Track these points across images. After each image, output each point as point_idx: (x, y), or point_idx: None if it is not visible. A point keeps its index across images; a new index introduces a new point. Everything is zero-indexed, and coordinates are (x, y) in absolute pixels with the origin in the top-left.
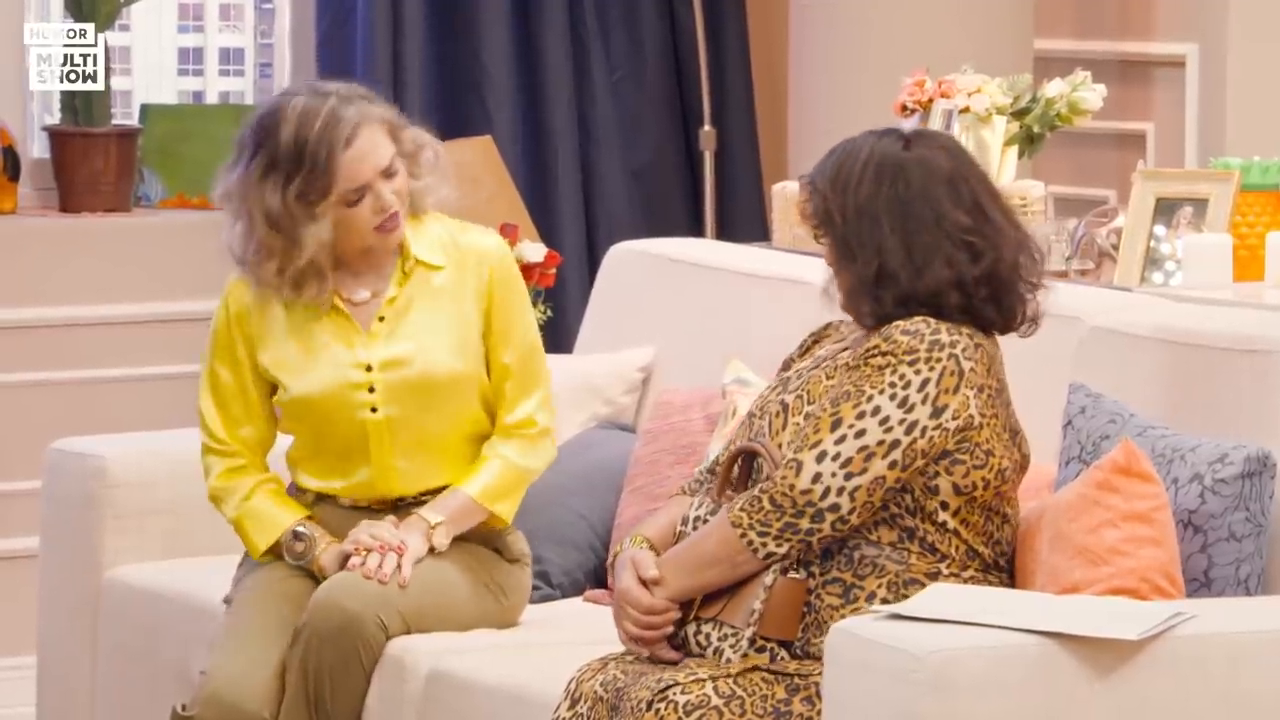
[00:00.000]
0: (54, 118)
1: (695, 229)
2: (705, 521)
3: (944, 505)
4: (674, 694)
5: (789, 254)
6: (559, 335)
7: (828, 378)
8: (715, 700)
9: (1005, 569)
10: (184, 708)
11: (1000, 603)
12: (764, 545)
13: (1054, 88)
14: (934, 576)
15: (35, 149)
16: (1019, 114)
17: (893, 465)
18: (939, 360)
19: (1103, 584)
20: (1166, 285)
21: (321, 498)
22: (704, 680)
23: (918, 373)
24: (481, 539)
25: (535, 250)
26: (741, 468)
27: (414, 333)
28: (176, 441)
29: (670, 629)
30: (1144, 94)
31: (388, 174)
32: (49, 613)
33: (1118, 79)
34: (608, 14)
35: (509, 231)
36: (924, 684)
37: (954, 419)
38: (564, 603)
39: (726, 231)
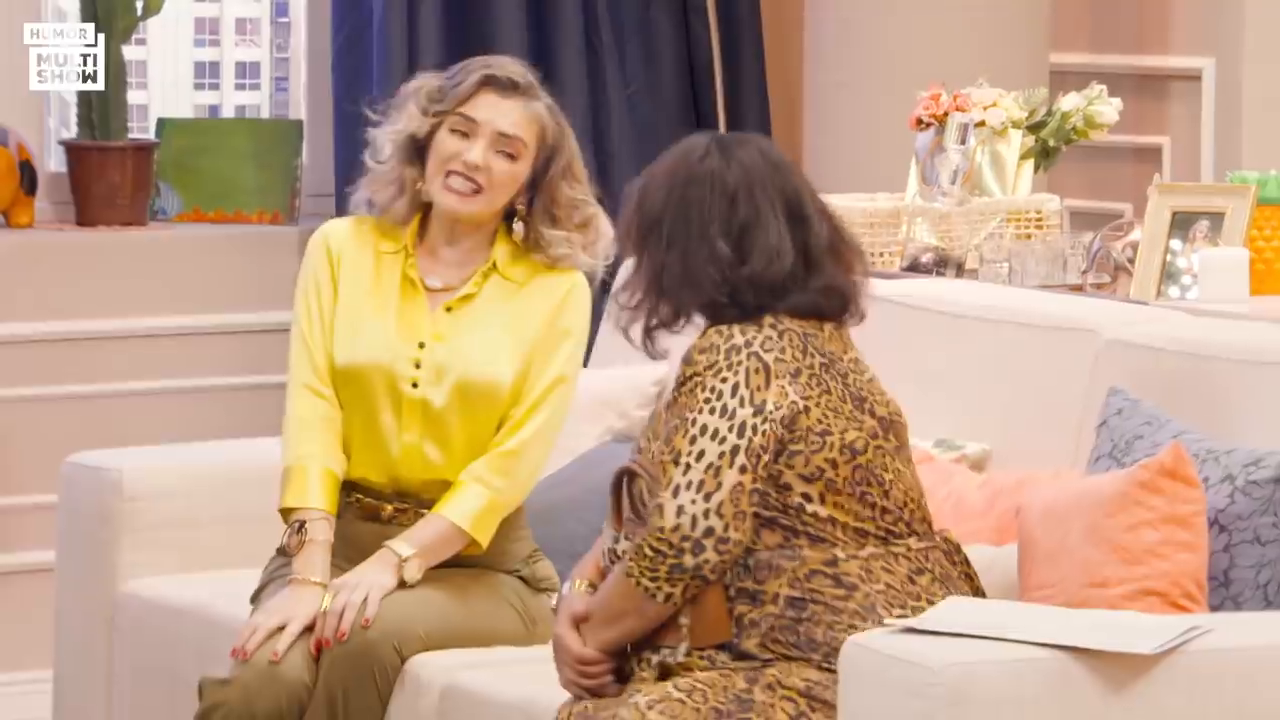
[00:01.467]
0: (70, 131)
1: None
2: (615, 554)
3: (806, 497)
4: (635, 699)
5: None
6: None
7: (665, 409)
8: (676, 694)
9: (907, 534)
10: (216, 681)
11: (1015, 616)
12: (659, 590)
13: (1070, 101)
14: (833, 564)
15: (52, 163)
16: (1035, 128)
17: (743, 469)
18: (740, 362)
19: (1135, 583)
20: (1183, 299)
21: (348, 505)
22: (663, 684)
23: (724, 380)
24: (506, 568)
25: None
26: (627, 491)
27: (475, 333)
28: (193, 455)
29: (608, 675)
30: (1160, 108)
31: (500, 143)
32: (65, 626)
33: (1134, 93)
34: (622, 27)
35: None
36: (940, 698)
37: (776, 409)
38: None
39: None
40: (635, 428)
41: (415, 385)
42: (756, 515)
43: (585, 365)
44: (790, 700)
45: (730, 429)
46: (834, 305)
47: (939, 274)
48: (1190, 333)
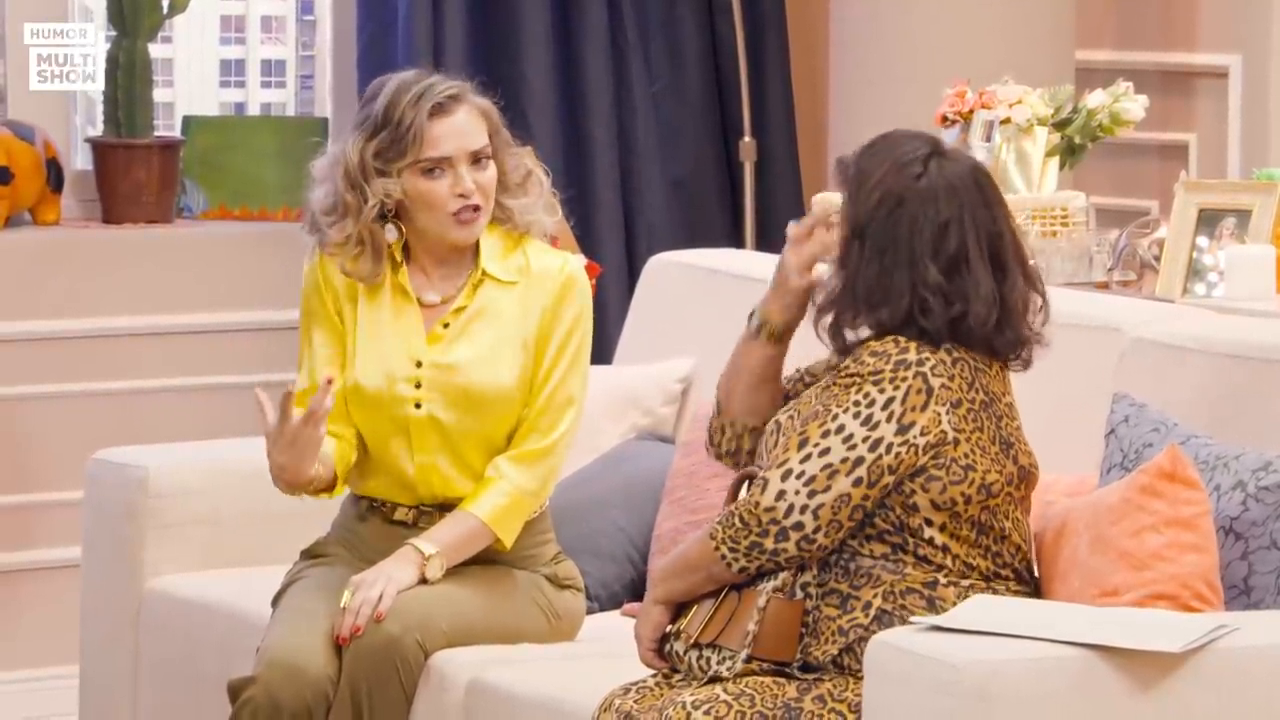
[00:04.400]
0: (96, 129)
1: (735, 240)
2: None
3: (928, 522)
4: (682, 698)
5: (829, 265)
6: (599, 346)
7: (815, 398)
8: (724, 696)
9: (1013, 576)
10: (242, 679)
11: (1041, 614)
12: (735, 560)
13: (1096, 99)
14: (932, 586)
15: (78, 160)
16: (1060, 125)
17: (858, 482)
18: (904, 379)
19: (1144, 589)
20: (1209, 297)
21: (373, 508)
22: (711, 686)
23: (882, 391)
24: (530, 566)
25: (575, 261)
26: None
27: (473, 345)
28: (218, 452)
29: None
30: (1186, 105)
31: (475, 160)
32: (91, 623)
33: (1160, 90)
34: (648, 26)
35: (548, 242)
36: (965, 696)
37: (923, 435)
38: (602, 616)
39: (766, 242)
40: (659, 425)
41: (419, 405)
42: (871, 527)
43: (610, 363)
44: (839, 714)
45: (865, 440)
46: (1006, 349)
47: None
48: (1216, 331)
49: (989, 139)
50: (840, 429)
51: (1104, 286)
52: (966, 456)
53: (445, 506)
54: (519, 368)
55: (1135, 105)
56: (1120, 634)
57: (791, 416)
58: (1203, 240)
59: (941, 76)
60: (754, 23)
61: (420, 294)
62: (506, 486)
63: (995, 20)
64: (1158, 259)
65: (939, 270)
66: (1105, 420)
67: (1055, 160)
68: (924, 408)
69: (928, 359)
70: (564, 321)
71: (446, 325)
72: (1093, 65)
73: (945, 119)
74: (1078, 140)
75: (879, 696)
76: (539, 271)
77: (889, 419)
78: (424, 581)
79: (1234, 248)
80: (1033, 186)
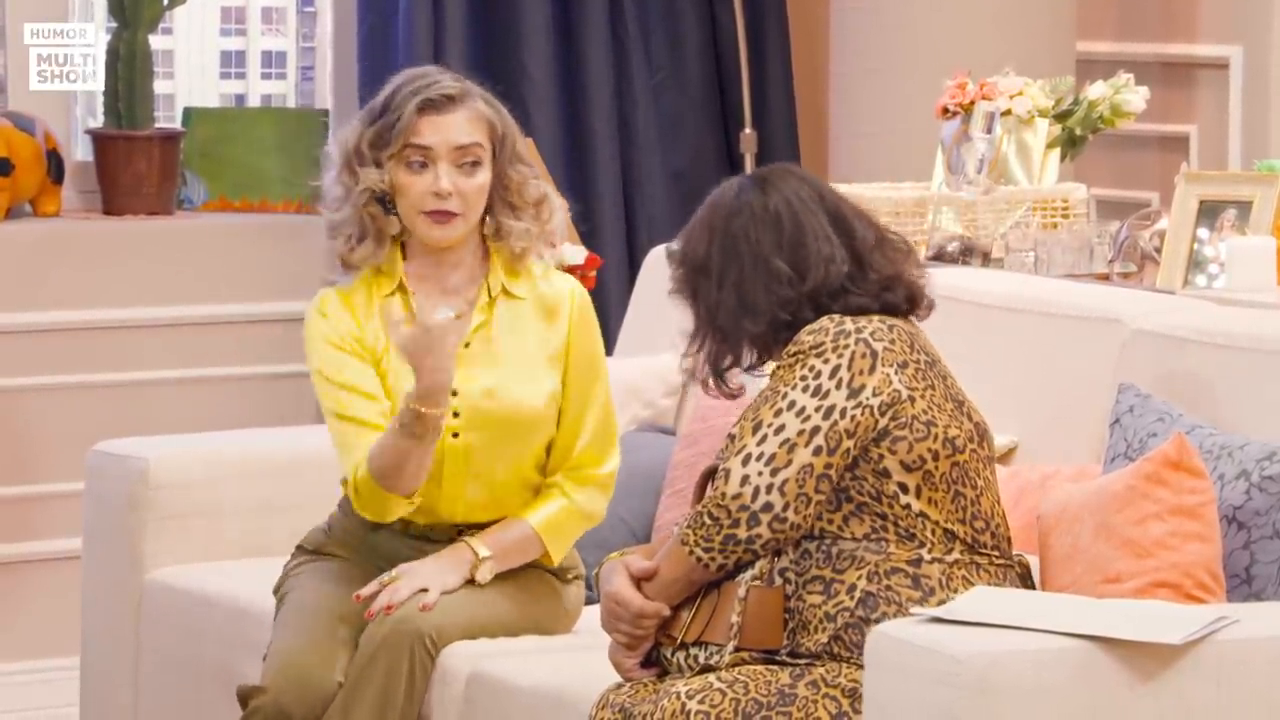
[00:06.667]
0: (97, 121)
1: None
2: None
3: (903, 487)
4: (676, 688)
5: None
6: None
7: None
8: (717, 685)
9: (994, 546)
10: (251, 688)
11: (1042, 606)
12: (712, 560)
13: (1096, 90)
14: (917, 564)
15: (79, 152)
16: (1061, 116)
17: (817, 451)
18: (847, 347)
19: (1147, 576)
20: (1209, 288)
21: (379, 524)
22: (704, 675)
23: (826, 362)
24: (541, 563)
25: (576, 253)
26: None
27: (501, 364)
28: (219, 443)
29: (650, 638)
30: (1187, 96)
31: (461, 159)
32: (92, 614)
33: (1160, 81)
34: (649, 16)
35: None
36: (966, 687)
37: (875, 395)
38: None
39: None
40: (661, 416)
41: (455, 435)
42: (848, 501)
43: (610, 354)
44: (833, 699)
45: (818, 409)
46: (899, 298)
47: (964, 263)
48: (1217, 323)
49: (990, 131)
50: (791, 404)
51: (1105, 278)
52: (925, 413)
53: (461, 527)
54: (552, 385)
55: (1136, 97)
56: (1121, 625)
57: (742, 424)
58: (1203, 232)
59: (942, 68)
60: (754, 14)
61: (433, 313)
62: (565, 503)
63: (996, 11)
64: (1159, 250)
65: (784, 259)
66: (1106, 412)
67: (1056, 152)
68: (871, 370)
69: (865, 326)
70: (588, 343)
71: (468, 345)
72: (1093, 57)
73: (946, 110)
74: (1078, 132)
75: (879, 688)
76: (548, 291)
77: (838, 386)
78: (471, 582)
79: (1235, 239)
80: (1033, 178)
